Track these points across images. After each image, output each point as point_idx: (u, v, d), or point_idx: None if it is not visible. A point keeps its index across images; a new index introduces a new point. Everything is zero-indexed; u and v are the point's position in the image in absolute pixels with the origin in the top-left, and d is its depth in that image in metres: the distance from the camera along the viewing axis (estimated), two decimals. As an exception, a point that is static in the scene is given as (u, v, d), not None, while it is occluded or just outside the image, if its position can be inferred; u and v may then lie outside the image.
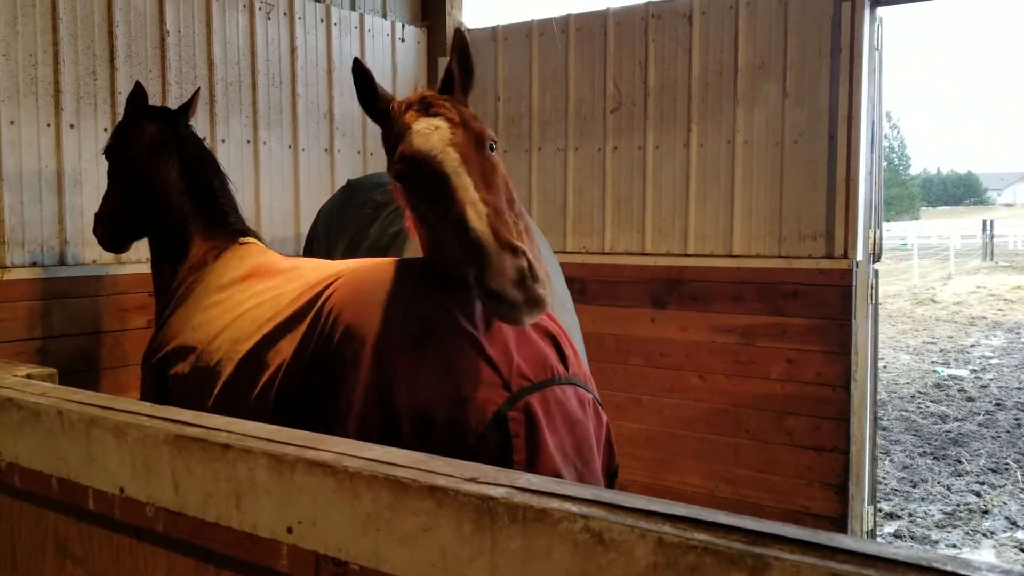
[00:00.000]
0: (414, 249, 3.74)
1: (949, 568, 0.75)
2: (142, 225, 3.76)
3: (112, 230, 3.87)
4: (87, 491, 1.49)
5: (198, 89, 4.05)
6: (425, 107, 2.58)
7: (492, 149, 2.52)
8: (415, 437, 2.10)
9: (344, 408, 2.24)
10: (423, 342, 2.20)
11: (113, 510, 1.45)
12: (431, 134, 2.45)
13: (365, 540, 1.12)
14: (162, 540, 1.40)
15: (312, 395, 2.40)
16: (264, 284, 3.05)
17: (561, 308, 3.17)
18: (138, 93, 3.64)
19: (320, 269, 2.97)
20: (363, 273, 2.58)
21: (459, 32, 2.75)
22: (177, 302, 3.34)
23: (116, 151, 3.73)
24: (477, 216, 2.20)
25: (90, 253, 4.73)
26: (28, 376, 1.96)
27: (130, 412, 1.47)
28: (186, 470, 1.33)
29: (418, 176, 2.40)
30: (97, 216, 3.92)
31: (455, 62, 2.69)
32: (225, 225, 3.57)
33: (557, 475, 2.05)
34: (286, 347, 2.60)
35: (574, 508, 0.96)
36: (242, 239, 3.50)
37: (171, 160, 3.60)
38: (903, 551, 0.79)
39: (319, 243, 4.65)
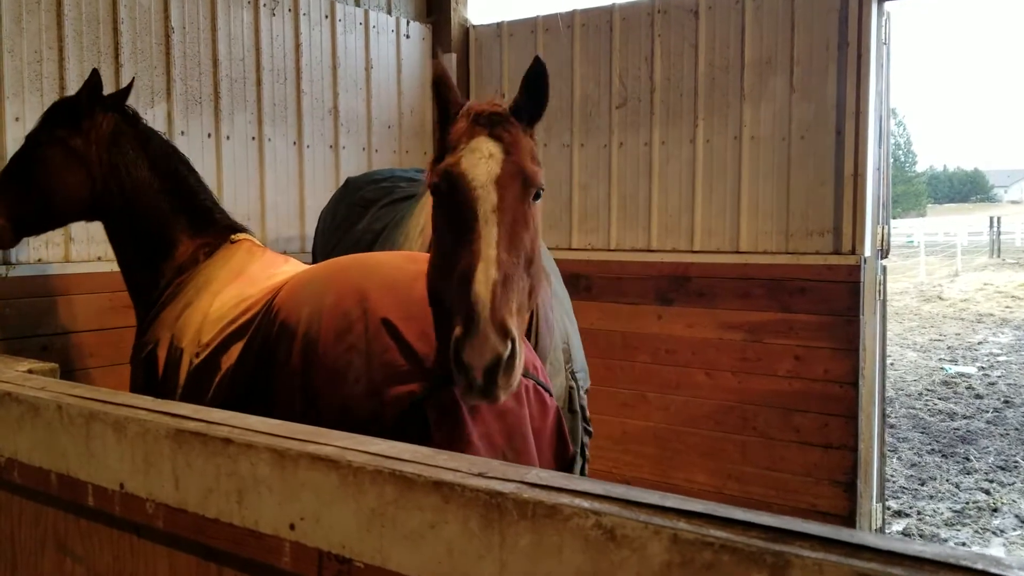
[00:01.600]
0: (391, 246, 3.71)
1: (979, 567, 0.72)
2: (78, 217, 3.59)
3: (27, 221, 3.53)
4: (87, 487, 1.46)
5: (133, 79, 3.94)
6: (490, 123, 2.48)
7: (538, 196, 2.45)
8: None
9: (279, 408, 2.22)
10: (343, 336, 2.16)
11: (113, 506, 1.42)
12: (480, 161, 2.38)
13: (369, 537, 1.09)
14: (162, 537, 1.37)
15: (256, 396, 2.37)
16: (238, 286, 3.03)
17: (561, 310, 3.14)
18: (95, 81, 3.45)
19: (287, 272, 2.96)
20: (307, 272, 2.56)
21: (538, 59, 2.67)
22: (167, 299, 3.29)
23: (55, 136, 3.46)
24: (485, 279, 2.14)
25: (94, 250, 4.71)
26: (29, 371, 1.94)
27: (130, 407, 1.45)
28: (187, 465, 1.30)
29: (450, 199, 2.34)
30: (4, 207, 3.48)
31: (528, 87, 2.60)
32: (212, 222, 3.49)
33: None
34: (236, 348, 2.59)
35: (586, 504, 0.93)
36: (233, 237, 3.45)
37: (137, 156, 3.46)
38: (929, 548, 0.76)
39: (320, 241, 4.62)
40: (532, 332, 2.78)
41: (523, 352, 2.20)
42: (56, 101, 3.68)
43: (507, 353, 2.04)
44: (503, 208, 2.30)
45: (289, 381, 2.21)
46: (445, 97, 2.53)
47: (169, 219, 3.44)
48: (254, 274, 3.12)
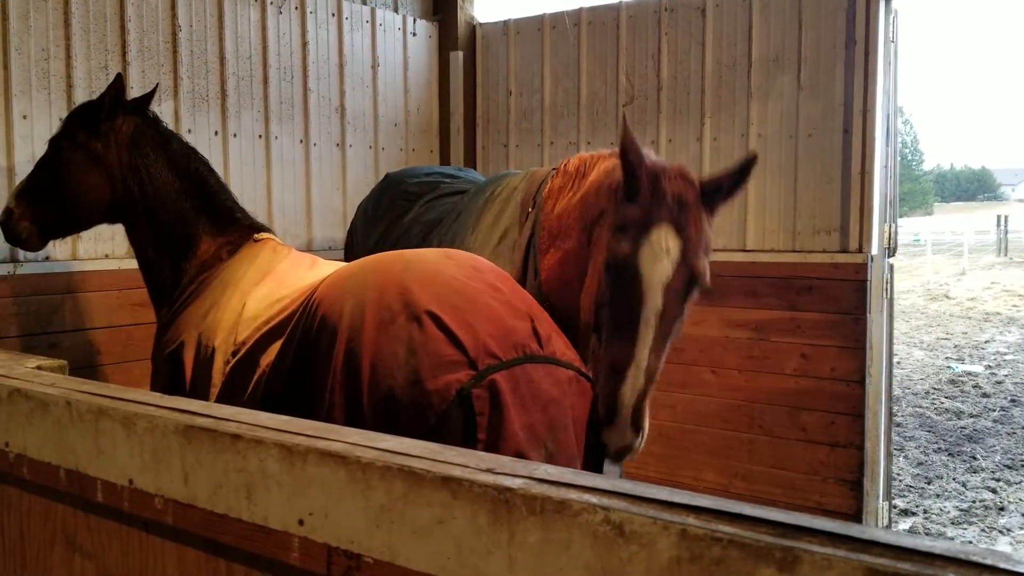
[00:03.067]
0: (447, 238, 3.74)
1: (988, 561, 0.72)
2: (101, 220, 3.65)
3: (52, 225, 3.62)
4: (96, 483, 1.46)
5: (157, 85, 3.98)
6: (676, 210, 2.63)
7: (698, 289, 2.69)
8: (377, 422, 2.08)
9: (318, 400, 2.24)
10: (387, 327, 2.18)
11: (122, 502, 1.42)
12: (656, 263, 2.58)
13: (378, 532, 1.09)
14: (171, 533, 1.38)
15: (296, 390, 2.39)
16: (269, 285, 3.05)
17: None
18: (118, 86, 3.50)
19: (321, 271, 2.97)
20: (346, 268, 2.58)
21: (753, 157, 2.84)
22: (190, 297, 3.32)
23: (76, 141, 3.51)
24: (632, 386, 2.54)
25: (102, 248, 4.73)
26: (38, 368, 1.95)
27: (139, 403, 1.45)
28: (196, 461, 1.30)
29: (619, 285, 2.60)
30: (23, 210, 3.56)
31: (741, 174, 2.80)
32: (233, 221, 3.52)
33: (521, 454, 2.03)
34: (275, 349, 2.62)
35: (594, 499, 0.93)
36: (256, 236, 3.48)
37: (157, 158, 3.50)
38: (940, 544, 0.76)
39: (357, 237, 4.61)
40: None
41: (647, 428, 2.64)
42: (78, 105, 3.72)
43: (637, 442, 2.57)
44: (666, 315, 2.54)
45: (331, 374, 2.23)
46: (632, 163, 2.69)
47: (191, 218, 3.48)
48: (284, 273, 3.14)
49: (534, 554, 0.95)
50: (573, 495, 0.94)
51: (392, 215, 4.28)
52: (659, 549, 0.87)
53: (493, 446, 2.04)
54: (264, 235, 3.49)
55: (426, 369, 2.10)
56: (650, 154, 2.82)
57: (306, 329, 2.42)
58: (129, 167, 3.49)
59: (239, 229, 3.50)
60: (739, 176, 2.80)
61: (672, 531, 0.86)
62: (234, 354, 2.82)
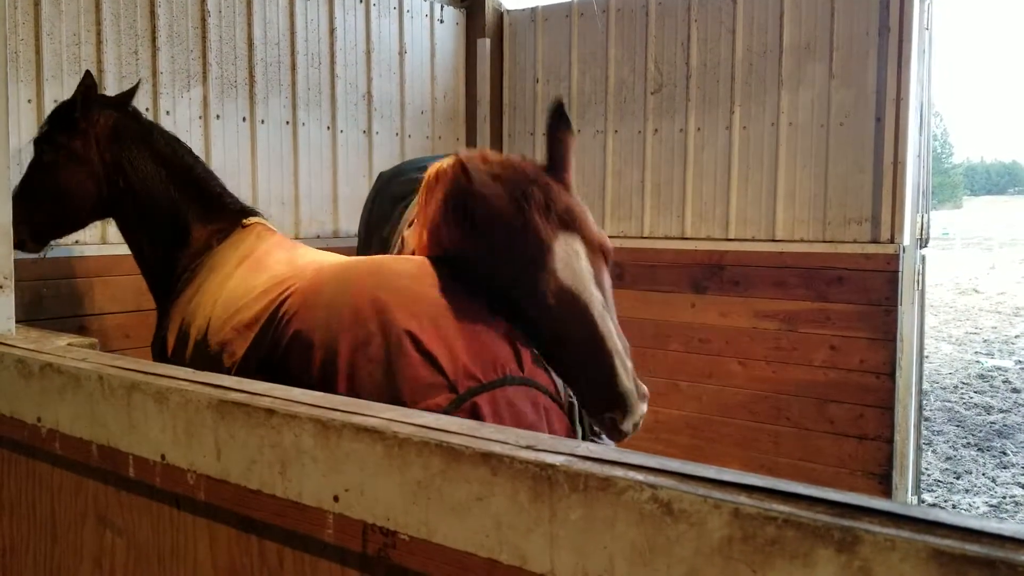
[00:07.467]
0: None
1: (1062, 544, 0.69)
2: (92, 218, 3.64)
3: (46, 227, 3.60)
4: (128, 458, 1.45)
5: (139, 81, 3.97)
6: (558, 216, 2.51)
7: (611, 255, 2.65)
8: None
9: None
10: (364, 347, 2.11)
11: (154, 477, 1.41)
12: (575, 265, 2.46)
13: (415, 509, 1.07)
14: (203, 509, 1.37)
15: None
16: (243, 273, 3.00)
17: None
18: (88, 83, 3.47)
19: (294, 263, 2.89)
20: (322, 275, 2.48)
21: (559, 103, 2.77)
22: (183, 285, 3.30)
23: (56, 141, 3.48)
24: (624, 372, 2.45)
25: (130, 232, 4.75)
26: (69, 345, 1.94)
27: (172, 377, 1.44)
28: (229, 436, 1.29)
29: (564, 314, 2.45)
30: (15, 214, 3.62)
31: (560, 132, 2.71)
32: (222, 208, 3.50)
33: None
34: (239, 347, 2.54)
35: (640, 477, 0.90)
36: (245, 221, 3.45)
37: (141, 150, 3.47)
38: (1009, 526, 0.72)
39: (362, 236, 4.55)
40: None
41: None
42: (56, 106, 3.69)
43: (645, 410, 2.50)
44: (606, 298, 2.50)
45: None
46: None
47: (181, 208, 3.46)
48: (259, 258, 3.09)
49: (577, 532, 0.93)
50: (618, 472, 0.91)
51: (383, 219, 4.19)
52: (710, 528, 0.84)
53: None
54: (252, 220, 3.46)
55: (405, 394, 2.03)
56: (477, 175, 2.51)
57: (275, 342, 2.33)
58: (112, 163, 3.46)
59: (229, 215, 3.47)
60: (553, 122, 2.74)
61: (724, 510, 0.83)
62: (202, 343, 2.77)
